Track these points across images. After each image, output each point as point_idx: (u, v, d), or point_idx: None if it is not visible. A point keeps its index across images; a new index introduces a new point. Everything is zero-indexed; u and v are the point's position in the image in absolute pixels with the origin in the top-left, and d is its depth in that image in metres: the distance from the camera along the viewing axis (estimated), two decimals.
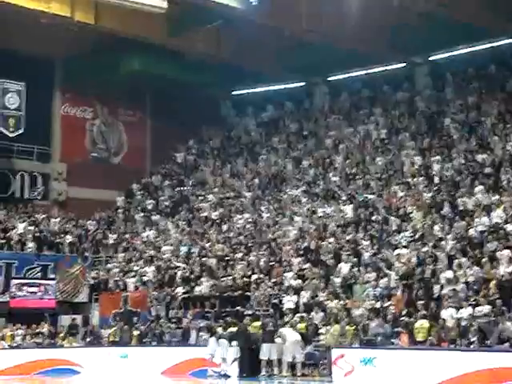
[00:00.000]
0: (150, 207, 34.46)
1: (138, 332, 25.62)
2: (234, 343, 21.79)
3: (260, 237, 28.16)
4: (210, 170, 35.72)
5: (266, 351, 21.16)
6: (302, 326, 21.78)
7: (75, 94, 37.12)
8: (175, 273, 28.09)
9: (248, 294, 25.25)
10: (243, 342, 21.72)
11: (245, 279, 25.80)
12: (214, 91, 38.40)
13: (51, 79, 36.25)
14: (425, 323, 19.17)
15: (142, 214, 33.83)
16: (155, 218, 33.27)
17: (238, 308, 24.72)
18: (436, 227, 23.19)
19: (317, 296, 23.23)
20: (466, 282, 20.30)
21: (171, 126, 37.21)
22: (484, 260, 20.51)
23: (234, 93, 39.74)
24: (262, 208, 30.46)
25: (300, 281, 24.32)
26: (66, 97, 37.17)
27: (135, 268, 29.36)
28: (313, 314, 22.40)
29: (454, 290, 20.07)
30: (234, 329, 22.41)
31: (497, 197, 22.96)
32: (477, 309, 19.02)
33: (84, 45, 33.20)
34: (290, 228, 27.69)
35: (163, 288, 27.46)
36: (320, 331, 21.80)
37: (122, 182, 36.12)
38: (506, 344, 17.54)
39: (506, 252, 20.26)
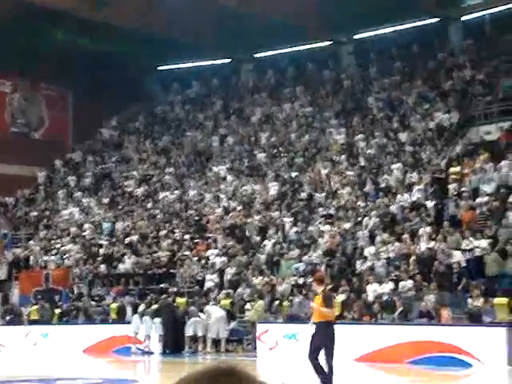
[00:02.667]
0: (72, 184, 33.80)
1: (60, 310, 25.18)
2: (157, 320, 21.65)
3: (185, 214, 28.00)
4: (134, 146, 35.24)
5: (191, 327, 21.11)
6: (226, 302, 21.79)
7: None
8: (98, 250, 27.69)
9: (173, 271, 25.11)
10: (167, 318, 21.60)
11: (169, 256, 25.64)
12: (138, 65, 37.79)
13: None
14: (339, 298, 19.44)
15: (65, 191, 33.16)
16: (77, 194, 32.67)
17: (163, 285, 24.56)
18: (359, 204, 23.51)
19: (241, 272, 23.28)
20: (388, 258, 20.67)
21: (95, 101, 36.44)
22: (405, 236, 20.90)
23: (159, 68, 39.23)
24: (188, 185, 30.28)
25: (225, 258, 24.32)
26: None
27: (57, 246, 28.79)
28: (239, 290, 22.42)
29: (376, 265, 20.43)
30: (156, 306, 22.24)
31: (417, 174, 23.40)
32: (400, 284, 19.39)
33: (6, 15, 32.11)
34: (215, 205, 27.62)
35: (86, 265, 27.04)
36: (245, 307, 21.87)
37: (43, 157, 35.27)
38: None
39: (427, 228, 20.70)
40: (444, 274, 19.26)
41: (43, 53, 34.36)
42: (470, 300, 17.69)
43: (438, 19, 31.67)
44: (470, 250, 19.22)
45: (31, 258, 28.73)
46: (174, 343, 21.66)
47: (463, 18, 31.46)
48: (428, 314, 17.85)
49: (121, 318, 23.26)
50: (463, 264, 19.12)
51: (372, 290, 19.73)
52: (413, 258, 20.07)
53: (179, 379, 2.52)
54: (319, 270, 21.65)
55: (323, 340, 12.02)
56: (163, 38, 33.77)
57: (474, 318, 17.06)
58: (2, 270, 28.98)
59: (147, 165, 33.22)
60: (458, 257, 19.26)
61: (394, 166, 24.70)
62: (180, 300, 22.66)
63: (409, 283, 19.26)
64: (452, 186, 22.14)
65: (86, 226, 29.51)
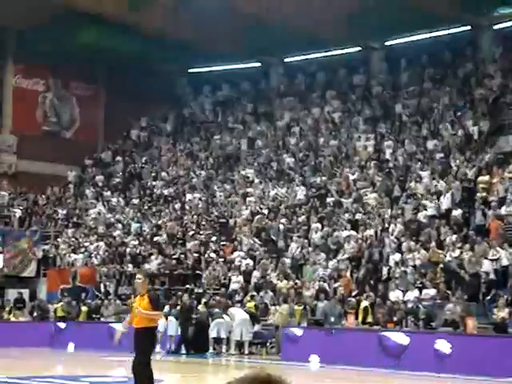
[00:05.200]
0: (101, 183, 34.16)
1: (87, 308, 25.47)
2: (176, 320, 21.87)
3: (212, 216, 28.18)
4: (163, 147, 35.52)
5: (215, 329, 21.25)
6: (251, 304, 21.90)
7: (28, 65, 36.44)
8: (125, 249, 27.97)
9: (199, 272, 25.29)
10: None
11: (195, 257, 25.83)
12: (170, 68, 38.10)
13: (4, 50, 35.49)
14: (363, 304, 19.46)
15: (93, 190, 33.53)
16: (106, 194, 33.02)
17: (188, 286, 24.74)
18: (385, 210, 23.51)
19: (267, 276, 23.38)
20: (414, 266, 20.66)
21: (125, 101, 36.78)
22: (431, 244, 20.87)
23: (190, 70, 39.49)
24: (215, 187, 30.47)
25: (250, 260, 24.44)
26: (19, 68, 36.46)
27: (85, 244, 29.12)
28: (261, 293, 22.53)
29: (403, 272, 20.44)
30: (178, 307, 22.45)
31: (445, 182, 23.34)
32: (423, 292, 19.39)
33: (39, 16, 32.55)
34: (242, 208, 27.77)
35: (113, 264, 27.32)
36: (270, 310, 21.97)
37: (74, 156, 35.70)
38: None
39: (453, 237, 20.65)
40: (470, 284, 19.21)
41: (76, 53, 34.75)
42: (495, 310, 17.64)
43: (470, 27, 31.56)
44: (497, 260, 19.14)
45: (59, 255, 29.08)
46: (198, 344, 21.79)
47: (495, 27, 31.30)
48: (453, 322, 17.81)
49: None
50: (491, 274, 19.03)
51: (396, 297, 19.73)
52: (440, 266, 20.04)
53: None
54: (345, 276, 21.76)
55: (147, 347, 10.98)
56: (193, 42, 34.01)
57: (500, 329, 17.00)
58: (31, 266, 29.40)
59: (176, 166, 33.48)
60: (485, 266, 19.19)
61: (422, 174, 24.66)
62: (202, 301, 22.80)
63: (432, 291, 19.24)
64: (480, 195, 22.05)
65: (114, 225, 29.81)
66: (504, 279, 18.89)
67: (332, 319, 19.78)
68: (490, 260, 19.28)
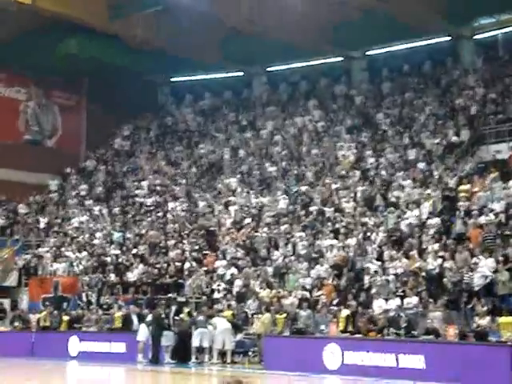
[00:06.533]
0: (83, 192, 34.04)
1: (68, 317, 25.34)
2: (166, 331, 21.79)
3: (194, 225, 28.16)
4: (145, 156, 35.48)
5: (198, 338, 21.21)
6: (228, 313, 21.85)
7: (10, 74, 36.33)
8: (107, 259, 27.86)
9: (181, 281, 25.25)
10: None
11: (178, 267, 25.79)
12: (152, 77, 38.13)
13: None
14: (344, 313, 19.51)
15: (76, 199, 33.41)
16: (88, 203, 32.90)
17: (170, 295, 24.69)
18: (368, 220, 23.60)
19: (249, 285, 23.38)
20: (395, 274, 20.74)
21: (108, 110, 36.77)
22: (412, 253, 20.98)
23: (172, 80, 39.54)
24: (198, 196, 30.46)
25: (233, 270, 24.43)
26: (0, 77, 36.31)
27: (66, 253, 28.99)
28: (249, 302, 22.51)
29: (384, 281, 20.52)
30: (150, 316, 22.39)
31: (426, 191, 23.49)
32: (405, 300, 19.46)
33: (21, 25, 32.46)
34: (225, 216, 27.77)
35: (95, 273, 27.22)
36: (251, 320, 21.96)
37: (56, 165, 35.60)
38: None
39: (435, 246, 20.77)
40: (452, 292, 19.31)
41: (58, 62, 34.72)
42: (476, 318, 17.74)
43: (450, 38, 31.83)
44: (479, 269, 19.23)
45: (41, 265, 28.92)
46: (180, 353, 21.73)
47: (475, 37, 31.60)
48: (434, 331, 17.89)
49: (126, 326, 23.35)
50: (473, 282, 19.12)
51: (378, 306, 19.80)
52: (422, 274, 20.12)
53: None
54: (327, 284, 21.80)
55: None
56: (175, 51, 34.05)
57: (480, 337, 17.09)
58: (12, 276, 29.21)
59: (158, 175, 33.44)
60: (466, 275, 19.28)
61: (403, 183, 24.80)
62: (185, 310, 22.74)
63: (414, 300, 19.33)
64: (461, 204, 22.21)
65: (97, 234, 29.72)
66: (487, 288, 18.97)
67: (323, 326, 19.84)
68: (471, 269, 19.38)
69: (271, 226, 25.90)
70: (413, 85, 31.25)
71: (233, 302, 22.69)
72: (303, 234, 24.51)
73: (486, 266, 19.11)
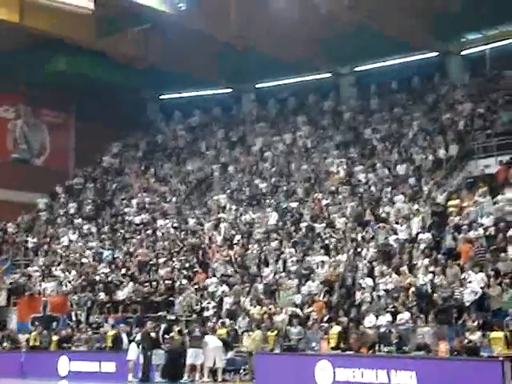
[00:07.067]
0: (72, 211, 33.89)
1: (58, 337, 25.13)
2: (157, 350, 21.62)
3: (185, 242, 28.05)
4: (134, 174, 35.40)
5: (192, 356, 21.02)
6: (222, 331, 21.75)
7: None
8: (97, 277, 27.69)
9: (172, 299, 25.11)
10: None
11: (168, 284, 25.65)
12: (141, 94, 38.14)
13: None
14: (335, 329, 19.43)
15: (65, 218, 33.25)
16: (77, 221, 32.74)
17: (161, 313, 24.53)
18: (358, 235, 23.57)
19: (239, 302, 23.27)
20: (386, 290, 20.69)
21: (97, 128, 36.70)
22: (403, 268, 20.94)
23: (161, 97, 39.55)
24: (188, 213, 30.37)
25: (224, 287, 24.32)
26: None
27: (55, 272, 28.80)
28: (239, 319, 22.39)
29: (374, 297, 20.46)
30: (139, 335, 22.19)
31: (416, 206, 23.50)
32: (398, 316, 19.40)
33: (9, 43, 32.44)
34: (214, 233, 27.69)
35: (84, 292, 27.03)
36: (242, 337, 21.84)
37: (44, 184, 35.43)
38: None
39: (425, 261, 20.74)
40: (442, 307, 19.27)
41: (46, 80, 34.71)
42: (467, 334, 17.69)
43: (438, 53, 32.01)
44: (468, 284, 19.21)
45: (29, 284, 28.71)
46: (172, 372, 21.53)
47: (463, 53, 31.78)
48: (425, 346, 17.84)
49: (116, 345, 23.16)
50: (463, 298, 19.08)
51: (369, 322, 19.73)
52: (412, 290, 20.09)
53: None
54: (318, 301, 21.73)
55: None
56: (164, 68, 34.11)
57: (472, 352, 17.04)
58: (1, 296, 28.98)
59: (148, 192, 33.35)
60: (457, 290, 19.26)
61: (393, 198, 24.81)
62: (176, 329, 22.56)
63: (405, 315, 19.27)
64: (450, 219, 22.21)
65: (86, 253, 29.55)
66: (478, 303, 18.94)
67: (314, 343, 19.75)
68: (462, 284, 19.36)
69: (261, 243, 25.82)
70: (401, 100, 31.36)
71: (226, 320, 22.53)
72: (293, 251, 24.45)
73: (475, 281, 19.09)
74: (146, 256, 27.86)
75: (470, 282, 19.17)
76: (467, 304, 18.88)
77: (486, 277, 19.20)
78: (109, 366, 22.88)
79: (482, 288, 18.95)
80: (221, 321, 22.49)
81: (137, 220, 31.18)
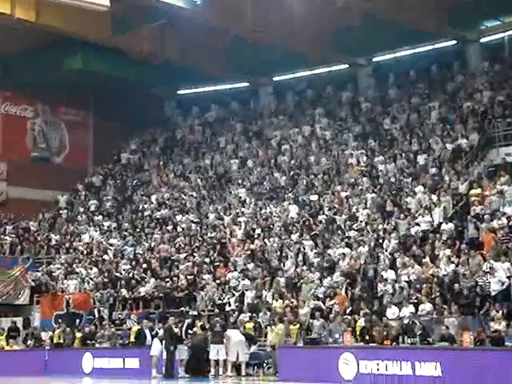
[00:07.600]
0: (92, 208, 34.01)
1: (81, 334, 25.24)
2: (180, 345, 21.61)
3: (205, 237, 28.03)
4: (154, 169, 35.46)
5: (215, 352, 21.01)
6: (250, 325, 21.70)
7: (16, 92, 36.45)
8: (118, 274, 27.76)
9: (194, 294, 25.12)
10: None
11: (189, 280, 25.66)
12: (158, 90, 38.17)
13: None
14: (360, 323, 19.32)
15: (85, 215, 33.38)
16: (98, 218, 32.85)
17: (183, 309, 24.56)
18: (379, 226, 23.42)
19: (261, 296, 23.23)
20: (408, 281, 20.55)
21: (115, 125, 36.82)
22: (425, 260, 20.78)
23: (178, 92, 39.56)
24: (207, 208, 30.36)
25: (245, 281, 24.28)
26: (7, 95, 36.47)
27: (78, 269, 28.92)
28: (261, 313, 22.35)
29: (397, 288, 20.33)
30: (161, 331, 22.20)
31: (437, 196, 23.29)
32: (420, 307, 19.26)
33: (25, 42, 32.60)
34: (235, 228, 27.65)
35: (106, 289, 27.12)
36: (266, 331, 21.80)
37: (64, 182, 35.62)
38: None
39: (447, 251, 20.57)
40: (467, 297, 19.10)
41: (63, 78, 34.82)
42: (491, 323, 17.53)
43: (456, 42, 31.71)
44: (495, 273, 18.98)
45: (52, 282, 28.86)
46: (197, 367, 21.51)
47: (482, 40, 31.46)
48: (450, 337, 17.69)
49: (140, 341, 23.19)
50: (488, 287, 18.89)
51: (392, 313, 19.60)
52: (435, 280, 19.93)
53: None
54: (340, 294, 21.63)
55: None
56: (181, 63, 34.09)
57: (497, 342, 16.87)
58: (24, 294, 29.18)
59: (167, 188, 33.38)
60: (481, 280, 19.07)
61: (414, 189, 24.61)
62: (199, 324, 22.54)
63: (428, 306, 19.12)
64: (472, 208, 22.00)
65: (107, 249, 29.63)
66: (504, 292, 18.73)
67: (337, 336, 19.65)
68: (485, 273, 19.15)
69: (282, 236, 25.75)
70: (420, 90, 31.10)
71: (253, 314, 22.48)
72: (314, 243, 24.35)
73: (501, 270, 18.87)
74: (166, 252, 27.90)
75: (495, 272, 18.94)
76: (493, 294, 18.68)
77: (511, 266, 18.99)
78: (133, 362, 22.95)
79: (508, 278, 18.74)
80: (246, 315, 22.43)
81: (157, 215, 31.22)
